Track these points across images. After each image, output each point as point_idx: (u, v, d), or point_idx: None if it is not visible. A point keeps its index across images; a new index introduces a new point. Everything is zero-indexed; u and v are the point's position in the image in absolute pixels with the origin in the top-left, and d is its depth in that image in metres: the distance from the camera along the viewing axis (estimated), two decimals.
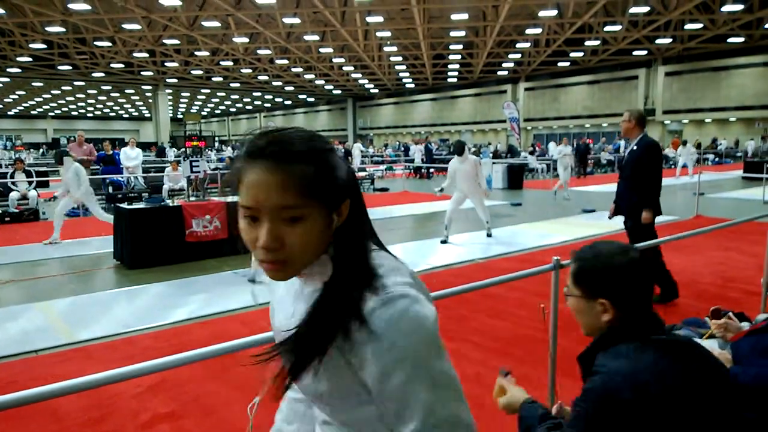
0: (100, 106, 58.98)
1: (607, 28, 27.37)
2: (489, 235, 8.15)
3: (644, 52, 31.54)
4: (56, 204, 8.74)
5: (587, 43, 29.89)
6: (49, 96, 49.62)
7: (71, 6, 22.25)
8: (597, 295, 1.37)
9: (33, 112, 58.18)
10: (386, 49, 31.18)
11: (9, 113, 57.06)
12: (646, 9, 24.35)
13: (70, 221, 10.70)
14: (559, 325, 2.76)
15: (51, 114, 59.17)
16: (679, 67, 32.00)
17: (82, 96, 50.89)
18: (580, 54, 32.36)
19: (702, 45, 29.11)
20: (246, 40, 29.34)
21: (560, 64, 34.93)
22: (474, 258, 6.86)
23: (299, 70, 36.92)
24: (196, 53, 31.82)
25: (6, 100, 50.43)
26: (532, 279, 4.58)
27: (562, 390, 2.51)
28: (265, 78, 39.87)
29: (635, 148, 4.56)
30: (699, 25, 26.11)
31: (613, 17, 26.31)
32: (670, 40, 28.83)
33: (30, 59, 31.03)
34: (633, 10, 24.22)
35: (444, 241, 7.83)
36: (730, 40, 27.78)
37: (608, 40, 29.63)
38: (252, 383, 3.39)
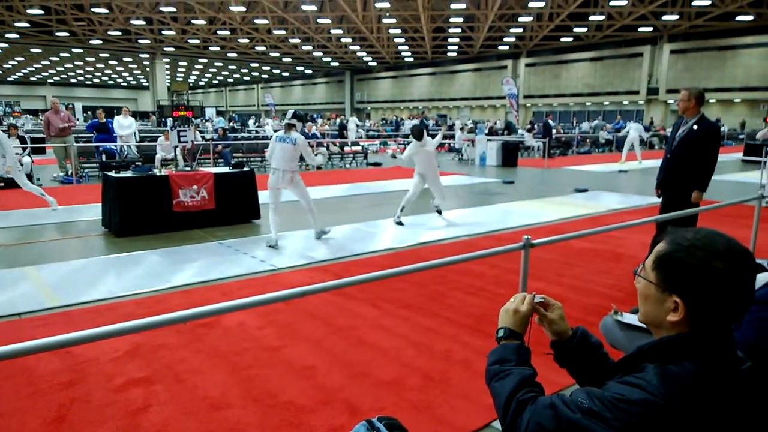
0: (99, 74, 58.46)
1: (613, 3, 26.80)
2: (439, 212, 7.90)
3: (650, 29, 31.00)
4: None
5: (591, 18, 29.34)
6: (48, 63, 49.11)
7: None
8: (673, 291, 1.08)
9: (32, 79, 57.64)
10: (385, 21, 30.68)
11: (8, 79, 56.53)
12: None
13: (63, 188, 10.74)
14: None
15: (50, 81, 58.62)
16: (684, 45, 31.45)
17: (81, 63, 50.40)
18: (584, 29, 31.82)
19: (709, 23, 28.58)
20: (243, 9, 28.87)
21: (563, 39, 34.40)
22: (459, 236, 6.90)
23: (297, 41, 36.41)
24: (193, 21, 31.37)
25: (5, 66, 49.89)
26: (510, 257, 4.64)
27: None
28: (263, 48, 39.34)
29: (695, 128, 4.58)
30: (707, 2, 25.56)
31: None
32: (677, 16, 28.31)
33: (28, 25, 30.61)
34: None
35: (399, 223, 7.38)
36: (739, 18, 27.25)
37: (613, 15, 29.11)
38: (221, 351, 3.47)
